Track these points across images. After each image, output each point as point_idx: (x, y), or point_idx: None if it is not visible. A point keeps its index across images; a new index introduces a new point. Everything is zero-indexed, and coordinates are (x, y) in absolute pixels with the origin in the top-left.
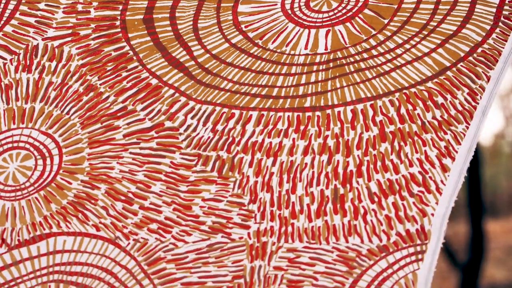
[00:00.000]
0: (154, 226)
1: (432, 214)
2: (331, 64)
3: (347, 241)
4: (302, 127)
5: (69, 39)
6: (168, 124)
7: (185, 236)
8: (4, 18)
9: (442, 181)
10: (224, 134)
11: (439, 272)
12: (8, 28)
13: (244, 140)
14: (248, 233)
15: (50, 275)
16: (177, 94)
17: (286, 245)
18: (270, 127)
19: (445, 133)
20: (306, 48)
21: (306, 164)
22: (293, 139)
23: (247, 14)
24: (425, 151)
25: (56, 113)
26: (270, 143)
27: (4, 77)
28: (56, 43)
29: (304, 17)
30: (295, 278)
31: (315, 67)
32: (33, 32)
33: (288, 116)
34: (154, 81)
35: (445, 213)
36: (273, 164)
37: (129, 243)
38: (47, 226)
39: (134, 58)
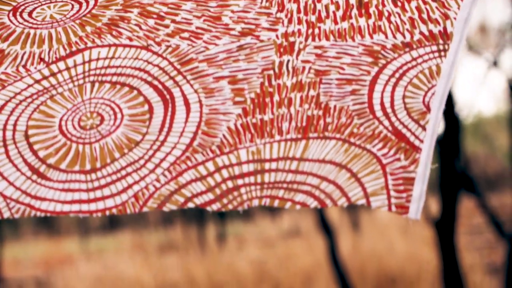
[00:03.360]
0: (185, 34)
1: (455, 18)
2: None
3: (372, 38)
4: None
5: None
6: None
7: (216, 40)
8: None
9: None
10: None
11: (475, 228)
12: None
13: None
14: (276, 35)
15: (86, 78)
16: None
17: (313, 43)
18: None
19: None
20: None
21: None
22: None
23: None
24: None
25: None
26: None
27: None
28: None
29: None
30: (322, 69)
31: None
32: None
33: None
34: None
35: (467, 18)
36: None
37: (161, 48)
38: (83, 44)
39: None
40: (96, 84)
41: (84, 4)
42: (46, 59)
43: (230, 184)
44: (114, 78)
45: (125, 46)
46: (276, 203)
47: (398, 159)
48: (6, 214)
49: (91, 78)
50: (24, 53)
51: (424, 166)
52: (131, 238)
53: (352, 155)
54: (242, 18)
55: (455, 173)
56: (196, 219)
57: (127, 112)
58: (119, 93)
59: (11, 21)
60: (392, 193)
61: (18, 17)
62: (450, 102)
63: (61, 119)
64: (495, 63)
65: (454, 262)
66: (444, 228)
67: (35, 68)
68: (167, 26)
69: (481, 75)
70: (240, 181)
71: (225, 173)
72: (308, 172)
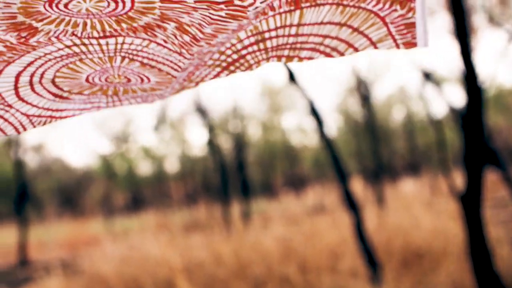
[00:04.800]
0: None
1: None
2: None
3: None
4: None
5: None
6: None
7: None
8: None
9: None
10: None
11: (499, 201)
12: None
13: None
14: None
15: (117, 53)
16: None
17: None
18: None
19: None
20: None
21: None
22: None
23: None
24: None
25: None
26: None
27: None
28: None
29: None
30: None
31: None
32: None
33: None
34: None
35: None
36: None
37: (193, 56)
38: (117, 33)
39: None
40: (127, 59)
41: (120, 4)
42: (79, 34)
43: (235, 56)
44: (145, 61)
45: (159, 44)
46: (283, 60)
47: (395, 10)
48: (29, 127)
49: (122, 54)
50: (57, 30)
51: (421, 12)
52: (155, 218)
53: (349, 14)
54: None
55: (479, 146)
56: (220, 197)
57: (154, 79)
58: (148, 70)
59: (46, 10)
60: (397, 37)
61: (54, 7)
62: (472, 75)
63: (88, 75)
64: None
65: (481, 235)
66: (470, 201)
67: (67, 38)
68: (201, 46)
69: (501, 47)
70: (244, 52)
71: (228, 51)
72: (309, 33)
